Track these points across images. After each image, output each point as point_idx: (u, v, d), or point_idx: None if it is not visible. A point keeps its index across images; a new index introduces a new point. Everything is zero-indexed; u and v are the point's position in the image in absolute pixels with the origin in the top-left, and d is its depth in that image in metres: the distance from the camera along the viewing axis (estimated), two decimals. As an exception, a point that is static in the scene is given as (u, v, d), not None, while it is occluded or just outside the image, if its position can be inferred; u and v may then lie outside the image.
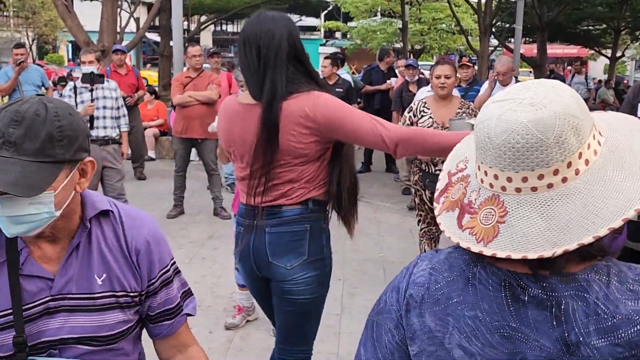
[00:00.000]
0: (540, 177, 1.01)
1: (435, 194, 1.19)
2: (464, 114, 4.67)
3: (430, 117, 4.68)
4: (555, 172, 1.01)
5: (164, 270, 1.67)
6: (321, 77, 7.99)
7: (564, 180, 1.02)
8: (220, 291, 4.93)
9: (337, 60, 8.40)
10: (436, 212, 1.16)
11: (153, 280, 1.65)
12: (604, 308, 1.01)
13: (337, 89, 7.99)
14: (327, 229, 2.55)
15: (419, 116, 4.73)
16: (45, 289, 1.49)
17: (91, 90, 5.87)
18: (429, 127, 4.65)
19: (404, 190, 8.50)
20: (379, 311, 1.25)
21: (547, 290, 1.04)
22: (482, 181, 1.08)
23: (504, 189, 1.04)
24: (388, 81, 9.59)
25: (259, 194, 2.41)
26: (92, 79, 5.86)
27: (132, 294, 1.59)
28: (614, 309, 1.00)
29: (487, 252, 1.03)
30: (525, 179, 1.02)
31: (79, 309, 1.52)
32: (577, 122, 1.02)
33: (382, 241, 6.46)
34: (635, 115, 4.55)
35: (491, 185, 1.06)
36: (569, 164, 1.02)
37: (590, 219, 0.99)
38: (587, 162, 1.03)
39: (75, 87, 5.93)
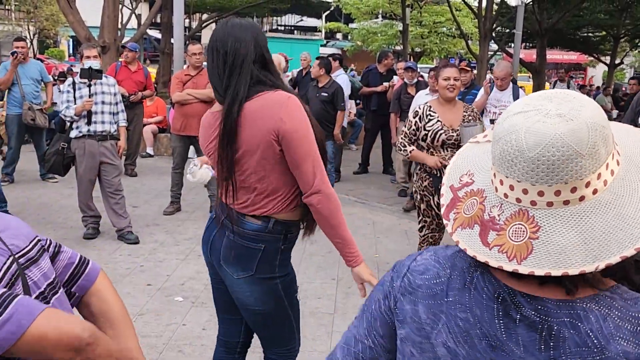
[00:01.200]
0: (574, 190, 0.99)
1: (442, 210, 1.15)
2: (476, 120, 4.69)
3: (439, 121, 4.65)
4: (587, 185, 0.99)
5: None
6: (313, 76, 7.98)
7: (595, 192, 1.00)
8: (214, 288, 4.97)
9: (327, 62, 8.18)
10: (449, 229, 1.11)
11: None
12: (595, 341, 0.99)
13: (322, 93, 7.93)
14: (287, 249, 2.54)
15: (426, 120, 4.68)
16: None
17: (89, 86, 5.90)
18: (438, 130, 4.63)
19: (400, 192, 8.53)
20: (373, 289, 1.29)
21: (541, 313, 1.03)
22: (505, 196, 1.04)
23: (533, 203, 1.01)
24: (385, 83, 9.59)
25: (229, 196, 2.45)
26: (90, 75, 5.88)
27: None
28: (604, 344, 0.98)
29: (524, 270, 0.99)
30: (558, 193, 0.99)
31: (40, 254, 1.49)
32: (606, 132, 1.01)
33: (377, 242, 6.50)
34: (637, 122, 4.58)
35: (518, 200, 1.02)
36: (599, 176, 1.00)
37: (628, 231, 0.97)
38: (612, 172, 1.02)
39: (74, 83, 5.96)
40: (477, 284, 1.09)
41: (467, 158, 1.20)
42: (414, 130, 4.72)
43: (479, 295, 1.08)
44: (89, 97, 5.88)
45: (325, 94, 7.90)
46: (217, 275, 2.66)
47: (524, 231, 1.01)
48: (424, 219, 4.92)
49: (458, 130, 4.61)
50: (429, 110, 4.72)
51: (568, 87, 12.22)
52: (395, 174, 9.19)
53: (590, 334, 0.99)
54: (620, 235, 0.97)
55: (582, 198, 0.99)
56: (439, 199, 4.72)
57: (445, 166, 4.63)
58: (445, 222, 1.13)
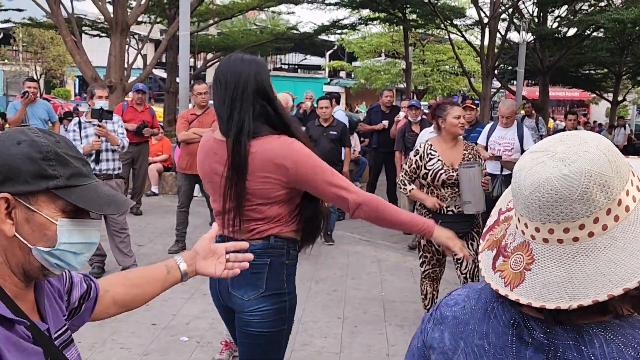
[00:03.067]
0: (566, 230, 1.03)
1: (484, 229, 1.25)
2: (475, 159, 4.70)
3: (439, 160, 4.67)
4: (581, 227, 1.02)
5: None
6: (321, 117, 7.99)
7: (590, 234, 1.02)
8: (220, 326, 4.91)
9: (337, 98, 8.28)
10: (480, 248, 1.22)
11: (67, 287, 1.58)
12: None
13: (331, 132, 7.96)
14: (290, 264, 2.61)
15: (427, 159, 4.69)
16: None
17: (99, 126, 5.96)
18: (438, 170, 4.64)
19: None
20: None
21: (550, 336, 1.07)
22: (516, 227, 1.12)
23: (533, 237, 1.08)
24: (384, 122, 9.63)
25: (233, 227, 2.53)
26: (100, 115, 5.95)
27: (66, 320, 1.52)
28: None
29: (512, 296, 1.07)
30: (551, 231, 1.04)
31: (67, 344, 1.45)
32: (605, 180, 1.01)
33: (383, 280, 6.46)
34: None
35: (523, 233, 1.10)
36: (596, 220, 1.02)
37: (608, 277, 1.00)
38: (616, 217, 1.03)
39: (79, 122, 6.02)
40: (497, 312, 1.16)
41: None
42: (414, 168, 4.73)
43: (497, 323, 1.15)
44: (98, 137, 5.94)
45: (335, 133, 7.94)
46: (229, 315, 2.70)
47: (521, 261, 1.09)
48: (424, 254, 4.92)
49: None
50: (430, 149, 4.73)
51: (537, 125, 11.97)
52: (400, 211, 9.16)
53: (593, 357, 1.02)
54: (600, 279, 1.00)
55: (575, 239, 1.03)
56: None
57: (441, 207, 4.65)
58: (481, 241, 1.23)
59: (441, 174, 4.63)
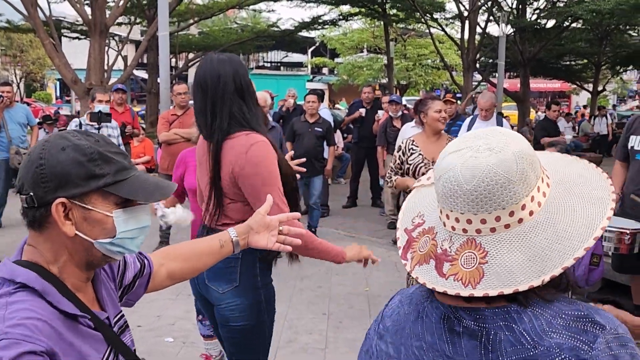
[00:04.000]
0: (512, 214, 1.09)
1: (400, 252, 1.24)
2: None
3: (420, 154, 4.72)
4: (523, 207, 1.10)
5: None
6: (307, 112, 8.02)
7: (531, 213, 1.10)
8: (205, 327, 4.93)
9: (322, 96, 8.35)
10: (407, 268, 1.20)
11: (119, 272, 1.70)
12: (528, 339, 1.06)
13: (316, 128, 7.99)
14: (262, 259, 2.63)
15: (409, 154, 4.76)
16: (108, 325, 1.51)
17: (98, 129, 5.95)
18: (418, 164, 4.71)
19: (390, 224, 8.54)
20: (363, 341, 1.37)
21: (479, 321, 1.10)
22: (453, 228, 1.14)
23: (478, 231, 1.11)
24: (361, 109, 9.69)
25: (213, 219, 2.60)
26: (99, 118, 5.96)
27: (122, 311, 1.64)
28: (538, 340, 1.05)
29: (479, 293, 1.08)
30: (498, 218, 1.09)
31: (123, 329, 1.58)
32: (533, 159, 1.12)
33: (368, 275, 6.48)
34: (627, 146, 4.73)
35: (464, 231, 1.12)
36: (532, 198, 1.10)
37: (565, 244, 1.07)
38: (544, 194, 1.13)
39: (80, 124, 5.97)
40: (427, 311, 1.19)
41: (416, 201, 1.30)
42: (398, 164, 4.81)
43: (429, 322, 1.17)
44: None
45: (320, 130, 7.98)
46: (209, 307, 2.74)
47: (473, 258, 1.10)
48: None
49: None
50: (411, 145, 4.80)
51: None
52: (384, 206, 9.21)
53: (524, 332, 1.06)
54: (558, 248, 1.08)
55: (520, 220, 1.10)
56: None
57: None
58: (403, 262, 1.22)
59: (421, 167, 4.69)
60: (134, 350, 1.58)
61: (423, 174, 4.70)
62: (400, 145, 4.89)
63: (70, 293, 1.37)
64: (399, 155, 4.82)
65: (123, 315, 1.58)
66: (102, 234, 1.37)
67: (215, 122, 2.50)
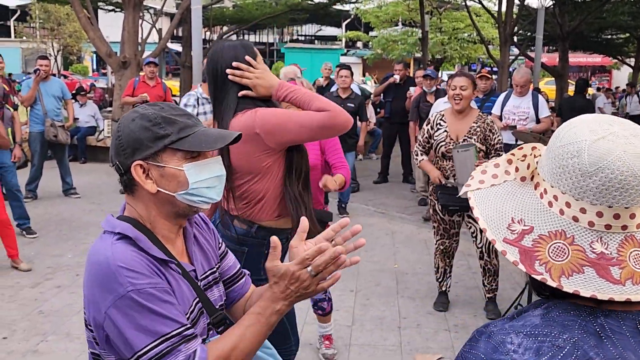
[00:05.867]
0: None
1: (520, 267, 1.05)
2: (478, 130, 4.64)
3: (445, 131, 4.68)
4: None
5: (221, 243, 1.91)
6: (335, 87, 7.95)
7: None
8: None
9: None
10: (552, 283, 1.01)
11: (220, 248, 1.87)
12: None
13: (348, 104, 7.91)
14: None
15: (436, 129, 4.73)
16: (194, 277, 1.68)
17: None
18: (440, 142, 4.67)
19: (420, 201, 8.47)
20: None
21: None
22: (607, 227, 1.01)
23: (639, 226, 1.01)
24: (395, 76, 9.58)
25: (226, 201, 2.67)
26: None
27: (216, 267, 1.81)
28: None
29: None
30: None
31: (211, 285, 1.75)
32: None
33: (397, 252, 6.45)
34: None
35: (624, 227, 1.01)
36: None
37: None
38: None
39: (198, 98, 5.88)
40: (612, 328, 1.01)
41: (497, 205, 1.13)
42: (426, 138, 4.77)
43: (622, 337, 0.99)
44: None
45: (352, 105, 7.90)
46: None
47: None
48: (433, 223, 5.02)
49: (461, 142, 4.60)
50: (440, 119, 4.76)
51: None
52: (415, 182, 9.13)
53: None
54: None
55: None
56: (441, 206, 4.79)
57: (446, 176, 4.66)
58: (537, 277, 1.02)
59: (442, 145, 4.65)
60: (220, 305, 1.75)
61: (442, 153, 4.65)
62: (430, 119, 4.86)
63: (159, 242, 1.58)
64: (428, 129, 4.78)
65: (215, 272, 1.77)
66: (179, 186, 1.56)
67: (220, 107, 2.61)
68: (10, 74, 22.94)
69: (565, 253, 1.02)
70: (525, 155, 1.15)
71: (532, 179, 1.13)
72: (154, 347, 1.43)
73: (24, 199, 7.01)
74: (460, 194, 1.23)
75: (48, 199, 8.49)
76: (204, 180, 1.58)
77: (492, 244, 1.09)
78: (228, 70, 2.57)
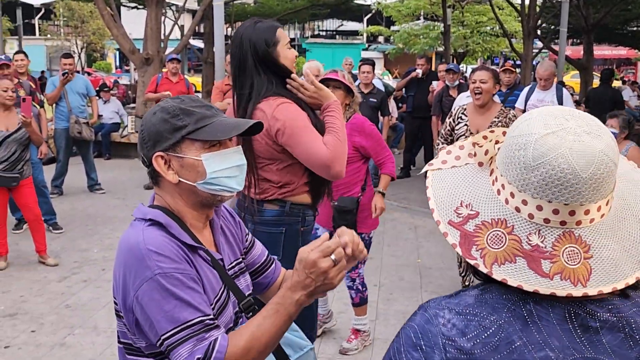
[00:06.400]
0: (607, 202, 1.03)
1: (457, 250, 1.07)
2: (499, 125, 4.61)
3: (466, 125, 4.65)
4: (612, 195, 1.04)
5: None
6: (357, 82, 7.96)
7: (610, 200, 1.05)
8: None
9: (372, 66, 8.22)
10: (482, 269, 1.04)
11: (247, 240, 1.91)
12: None
13: (371, 99, 7.90)
14: (307, 231, 2.71)
15: (457, 122, 4.71)
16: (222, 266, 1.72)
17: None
18: (460, 136, 4.64)
19: (444, 195, 8.43)
20: None
21: (614, 312, 1.01)
22: (546, 221, 1.01)
23: (579, 223, 1.01)
24: (417, 70, 9.53)
25: (250, 187, 2.68)
26: None
27: (242, 258, 1.85)
28: None
29: (592, 291, 0.99)
30: (599, 208, 1.01)
31: (238, 274, 1.79)
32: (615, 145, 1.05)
33: (420, 247, 6.44)
34: None
35: (563, 223, 1.01)
36: (615, 184, 1.05)
37: None
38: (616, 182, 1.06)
39: None
40: (539, 314, 1.02)
41: (451, 188, 1.14)
42: (449, 130, 4.76)
43: (549, 324, 1.01)
44: None
45: (374, 100, 7.89)
46: None
47: (577, 253, 1.00)
48: None
49: None
50: (462, 113, 4.74)
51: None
52: (438, 177, 9.09)
53: None
54: None
55: (610, 208, 1.04)
56: None
57: None
58: (471, 262, 1.05)
59: (462, 139, 4.62)
60: (249, 294, 1.77)
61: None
62: (452, 112, 4.86)
63: (188, 230, 1.63)
64: (450, 122, 4.78)
65: (240, 262, 1.81)
66: (199, 176, 1.59)
67: (243, 89, 2.59)
68: (42, 72, 23.26)
69: (502, 241, 1.04)
70: (486, 138, 1.16)
71: (490, 164, 1.14)
72: (175, 333, 1.46)
73: (50, 194, 7.11)
74: (421, 171, 1.25)
75: (73, 194, 8.60)
76: (223, 169, 1.60)
77: (437, 225, 1.11)
78: (288, 80, 2.58)
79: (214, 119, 1.60)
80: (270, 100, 2.53)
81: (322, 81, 3.60)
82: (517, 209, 1.04)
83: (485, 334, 1.01)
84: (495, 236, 1.05)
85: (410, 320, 1.10)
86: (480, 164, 1.15)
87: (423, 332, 1.05)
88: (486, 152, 1.14)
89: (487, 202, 1.09)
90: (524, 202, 1.03)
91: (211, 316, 1.52)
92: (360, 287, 4.14)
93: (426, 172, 1.20)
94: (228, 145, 1.63)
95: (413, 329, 1.07)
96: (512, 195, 1.04)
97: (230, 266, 1.75)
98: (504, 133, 1.14)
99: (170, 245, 1.53)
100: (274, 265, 1.96)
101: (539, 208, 1.01)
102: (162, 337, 1.46)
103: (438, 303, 1.09)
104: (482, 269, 1.04)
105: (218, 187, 1.61)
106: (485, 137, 1.17)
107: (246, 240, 1.90)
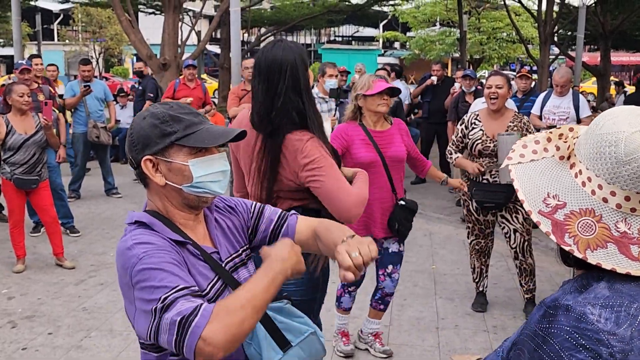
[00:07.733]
0: None
1: (552, 237, 1.17)
2: (515, 129, 4.61)
3: (481, 130, 4.66)
4: None
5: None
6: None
7: None
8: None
9: (396, 73, 8.22)
10: (577, 254, 1.14)
11: (252, 217, 1.93)
12: None
13: None
14: None
15: (470, 128, 4.71)
16: (218, 259, 1.77)
17: (337, 105, 6.19)
18: (476, 140, 4.64)
19: (458, 201, 8.41)
20: None
21: None
22: (633, 210, 1.13)
23: None
24: (433, 78, 9.53)
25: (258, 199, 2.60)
26: (338, 94, 6.16)
27: (245, 247, 1.90)
28: None
29: None
30: None
31: (238, 267, 1.83)
32: None
33: (435, 253, 6.43)
34: None
35: None
36: None
37: None
38: None
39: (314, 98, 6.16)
40: None
41: (536, 180, 1.23)
42: (460, 137, 4.77)
43: None
44: (334, 115, 6.18)
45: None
46: None
47: None
48: (467, 224, 4.98)
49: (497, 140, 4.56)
50: (475, 119, 4.76)
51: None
52: (453, 183, 9.07)
53: None
54: None
55: None
56: (476, 204, 4.76)
57: (482, 172, 4.60)
58: (566, 248, 1.15)
59: (478, 144, 4.63)
60: None
61: (479, 150, 4.61)
62: (464, 118, 4.87)
63: (175, 227, 1.69)
64: (462, 129, 4.78)
65: (239, 255, 1.86)
66: (184, 180, 1.66)
67: (270, 116, 2.48)
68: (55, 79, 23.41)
69: (592, 229, 1.14)
70: (563, 135, 1.26)
71: (568, 158, 1.23)
72: (165, 298, 1.47)
73: (67, 198, 7.18)
74: (502, 166, 1.33)
75: (91, 198, 8.68)
76: (209, 174, 1.67)
77: (529, 214, 1.20)
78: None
79: (201, 127, 1.67)
80: (300, 134, 2.47)
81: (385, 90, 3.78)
82: (605, 200, 1.14)
83: (637, 322, 1.09)
84: (586, 224, 1.15)
85: (552, 322, 1.11)
86: (562, 158, 1.24)
87: (580, 332, 1.08)
88: (568, 147, 1.24)
89: (573, 193, 1.18)
90: (612, 194, 1.13)
91: (197, 288, 1.54)
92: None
93: (507, 165, 1.28)
94: (214, 152, 1.70)
95: (566, 331, 1.09)
96: (600, 187, 1.15)
97: (227, 259, 1.80)
98: (571, 129, 1.26)
99: (155, 237, 1.62)
100: (288, 219, 1.96)
101: (627, 199, 1.12)
102: (153, 309, 1.48)
103: (575, 301, 1.12)
104: (577, 254, 1.14)
105: (202, 191, 1.68)
106: (561, 135, 1.26)
107: (251, 212, 1.94)
